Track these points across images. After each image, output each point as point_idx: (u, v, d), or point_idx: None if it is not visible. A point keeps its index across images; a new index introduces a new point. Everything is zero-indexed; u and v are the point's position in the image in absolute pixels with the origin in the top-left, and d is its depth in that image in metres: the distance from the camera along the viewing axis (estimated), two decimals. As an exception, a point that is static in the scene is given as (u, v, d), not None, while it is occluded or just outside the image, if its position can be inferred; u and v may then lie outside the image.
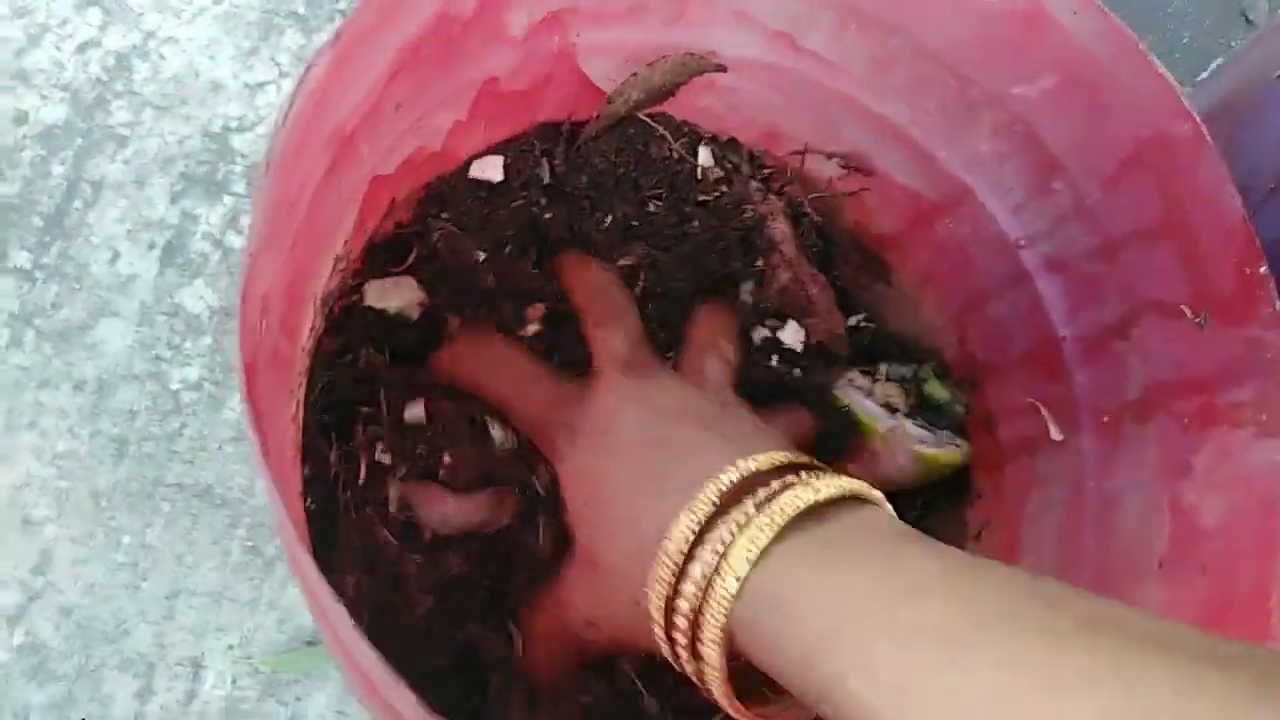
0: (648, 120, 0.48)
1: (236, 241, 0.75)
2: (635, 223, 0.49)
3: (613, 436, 0.41)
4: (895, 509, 0.48)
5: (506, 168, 0.47)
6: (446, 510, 0.43)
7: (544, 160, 0.48)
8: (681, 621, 0.34)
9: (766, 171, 0.52)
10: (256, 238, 0.28)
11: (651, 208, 0.49)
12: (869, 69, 0.46)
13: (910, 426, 0.51)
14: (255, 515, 0.71)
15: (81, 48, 0.76)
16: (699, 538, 0.34)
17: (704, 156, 0.50)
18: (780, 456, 0.36)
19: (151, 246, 0.74)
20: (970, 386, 0.52)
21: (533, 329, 0.47)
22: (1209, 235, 0.39)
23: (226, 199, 0.76)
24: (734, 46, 0.46)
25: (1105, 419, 0.44)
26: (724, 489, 0.34)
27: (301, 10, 0.80)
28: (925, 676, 0.27)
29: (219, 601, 0.70)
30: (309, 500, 0.42)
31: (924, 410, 0.52)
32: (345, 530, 0.42)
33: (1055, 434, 0.47)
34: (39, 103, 0.75)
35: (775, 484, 0.34)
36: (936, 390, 0.52)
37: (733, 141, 0.51)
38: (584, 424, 0.42)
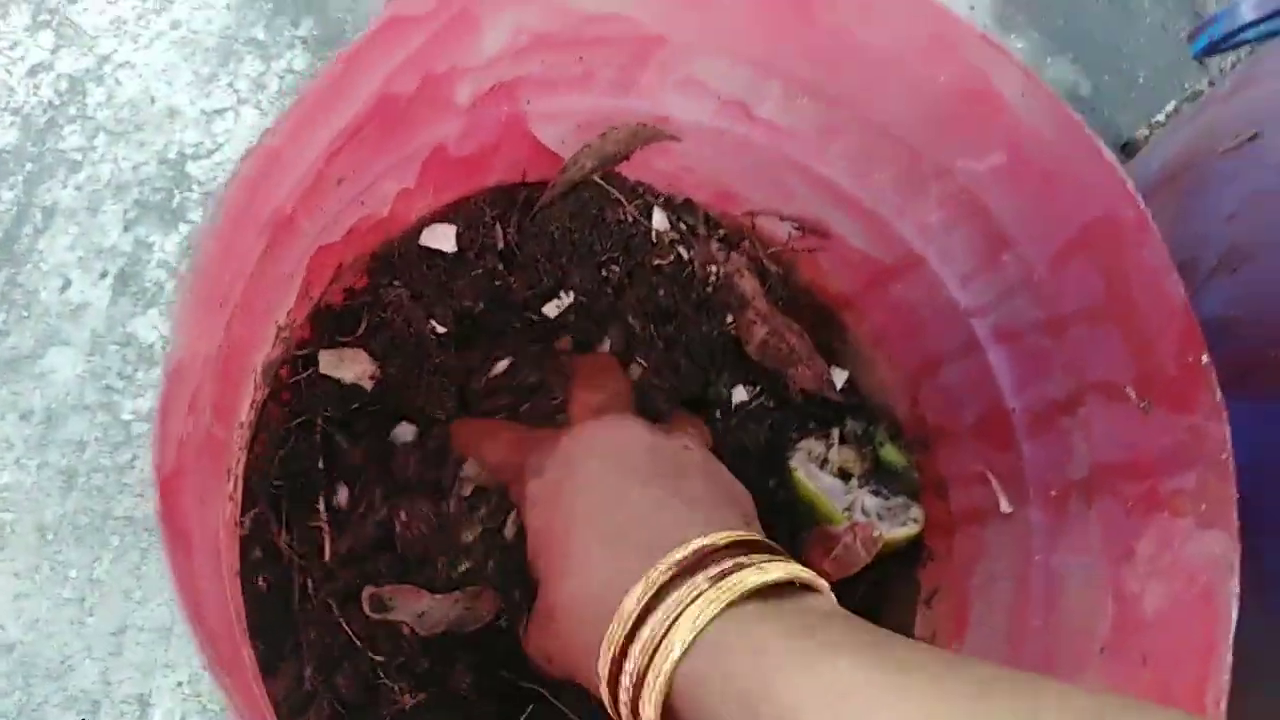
0: (602, 184, 0.47)
1: (190, 273, 0.74)
2: (610, 295, 0.49)
3: (575, 488, 0.42)
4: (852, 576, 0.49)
5: (459, 236, 0.46)
6: (421, 607, 0.42)
7: (498, 227, 0.47)
8: (626, 680, 0.36)
9: (722, 231, 0.51)
10: (183, 343, 0.28)
11: (606, 273, 0.49)
12: (820, 137, 0.45)
13: (867, 498, 0.51)
14: (206, 551, 0.70)
15: (33, 71, 0.75)
16: (651, 605, 0.36)
17: (658, 219, 0.50)
18: (736, 535, 0.38)
19: (104, 275, 0.73)
20: (923, 449, 0.52)
21: (501, 367, 0.47)
22: (1152, 320, 0.39)
23: (182, 227, 0.75)
24: (686, 112, 0.45)
25: (1053, 494, 0.44)
26: (680, 559, 0.36)
27: (261, 37, 0.79)
28: None
29: (168, 637, 0.69)
30: (260, 579, 0.41)
31: (879, 475, 0.52)
32: (301, 618, 0.41)
33: (1004, 505, 0.47)
34: (-11, 127, 0.73)
35: (728, 562, 0.36)
36: (891, 455, 0.52)
37: (688, 202, 0.51)
38: (549, 467, 0.43)
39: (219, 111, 0.77)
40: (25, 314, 0.72)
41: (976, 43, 0.38)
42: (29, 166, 0.74)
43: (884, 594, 0.51)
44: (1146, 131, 0.85)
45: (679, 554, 0.36)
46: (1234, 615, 0.36)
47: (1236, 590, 0.36)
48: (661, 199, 0.50)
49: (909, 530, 0.51)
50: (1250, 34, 0.51)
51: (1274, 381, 0.39)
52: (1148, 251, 0.38)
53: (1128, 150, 0.86)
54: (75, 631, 0.68)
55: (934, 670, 0.30)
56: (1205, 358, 0.37)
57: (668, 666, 0.34)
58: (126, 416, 0.72)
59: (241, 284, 0.33)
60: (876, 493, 0.52)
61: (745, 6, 0.40)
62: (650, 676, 0.35)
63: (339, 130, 0.35)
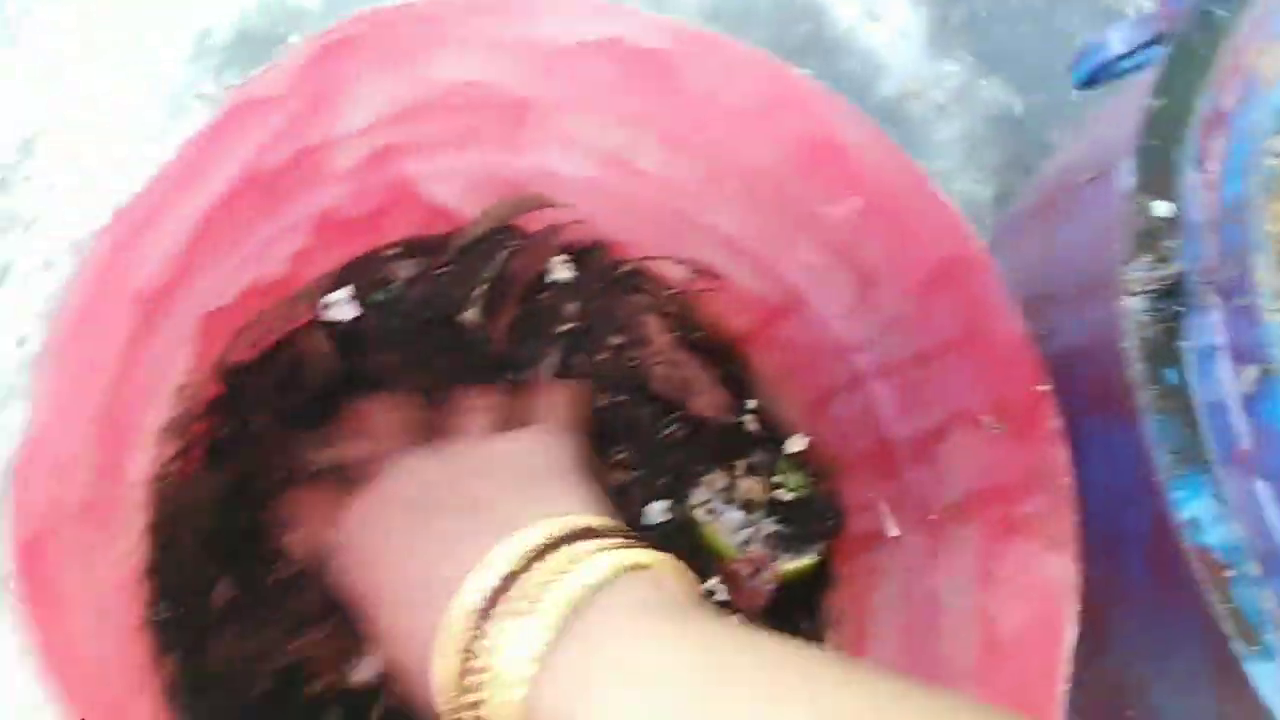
0: (501, 237, 0.50)
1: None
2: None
3: (368, 548, 0.38)
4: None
5: (358, 299, 0.49)
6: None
7: (398, 288, 0.49)
8: None
9: (619, 273, 0.54)
10: (44, 412, 0.30)
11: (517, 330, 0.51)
12: (699, 187, 0.48)
13: (769, 527, 0.53)
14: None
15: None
16: (469, 646, 0.32)
17: (561, 270, 0.52)
18: (545, 536, 0.33)
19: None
20: (824, 479, 0.54)
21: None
22: (998, 352, 0.41)
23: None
24: (570, 167, 0.47)
25: (932, 518, 0.46)
26: (471, 612, 0.32)
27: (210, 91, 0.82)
28: None
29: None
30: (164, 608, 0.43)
31: (783, 505, 0.54)
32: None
33: (891, 530, 0.48)
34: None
35: (542, 572, 0.32)
36: (795, 483, 0.54)
37: (587, 250, 0.53)
38: (342, 538, 0.40)
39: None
40: None
41: (818, 96, 0.41)
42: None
43: (793, 620, 0.53)
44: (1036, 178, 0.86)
45: (463, 607, 0.32)
46: (1072, 638, 0.37)
47: (1075, 614, 0.38)
48: (560, 246, 0.52)
49: (808, 560, 0.52)
50: (1124, 65, 0.53)
51: (1123, 405, 0.41)
52: (988, 289, 0.40)
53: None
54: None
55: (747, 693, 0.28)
56: (1043, 387, 0.39)
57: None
58: None
59: (115, 353, 0.35)
60: (780, 521, 0.53)
61: (607, 74, 0.42)
62: None
63: (209, 202, 0.37)
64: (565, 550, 0.32)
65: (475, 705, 0.31)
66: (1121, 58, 0.52)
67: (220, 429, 0.48)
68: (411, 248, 0.49)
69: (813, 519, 0.54)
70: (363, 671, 0.43)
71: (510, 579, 0.32)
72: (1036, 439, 0.40)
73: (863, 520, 0.52)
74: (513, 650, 0.30)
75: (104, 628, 0.36)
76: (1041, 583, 0.39)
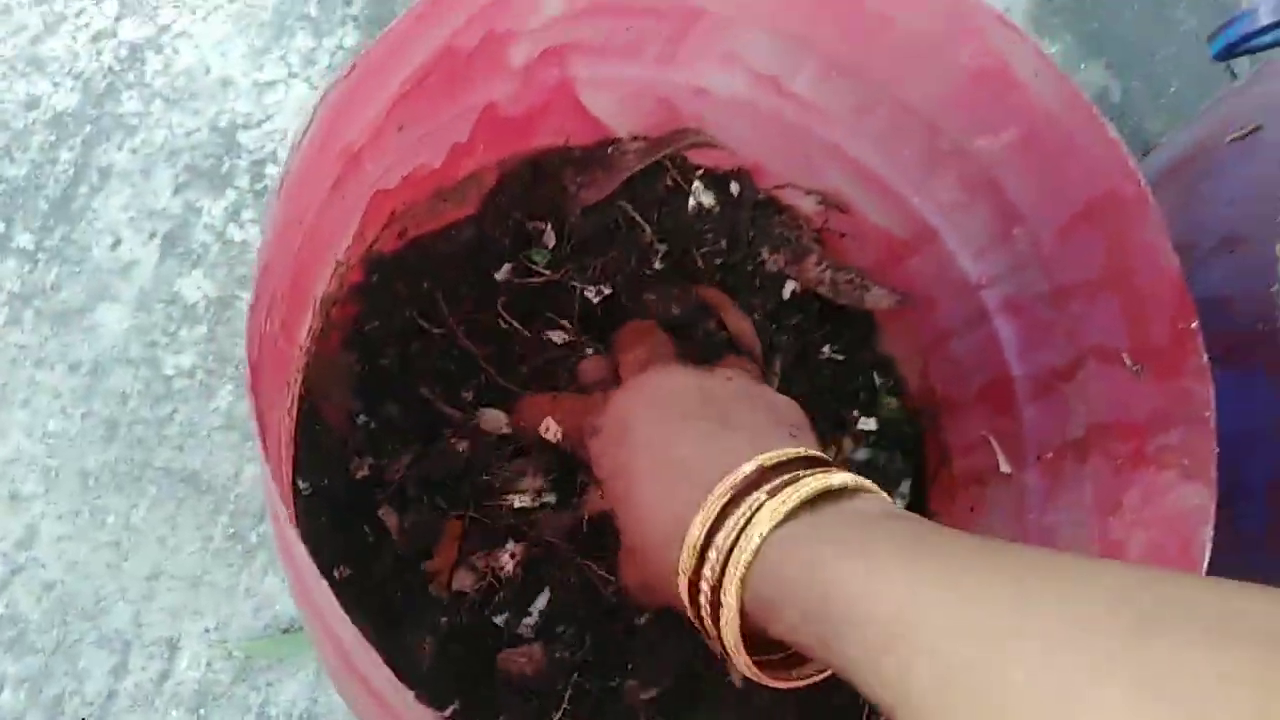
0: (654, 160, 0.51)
1: (237, 234, 0.77)
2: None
3: (631, 438, 0.45)
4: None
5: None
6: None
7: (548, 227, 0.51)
8: (703, 601, 0.39)
9: (756, 199, 0.55)
10: (268, 247, 0.31)
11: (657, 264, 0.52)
12: (849, 114, 0.49)
13: (862, 452, 0.54)
14: (239, 503, 0.73)
15: (96, 37, 0.79)
16: (714, 529, 0.38)
17: (704, 196, 0.53)
18: (786, 453, 0.40)
19: (153, 235, 0.77)
20: (929, 419, 0.55)
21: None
22: (1148, 290, 0.42)
23: (229, 193, 0.78)
24: (723, 85, 0.48)
25: (1049, 455, 0.47)
26: (734, 483, 0.39)
27: (314, 13, 0.82)
28: (966, 669, 0.28)
29: (198, 585, 0.71)
30: (303, 484, 0.45)
31: (874, 436, 0.55)
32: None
33: (1004, 467, 0.50)
34: (51, 89, 0.77)
35: (781, 478, 0.38)
36: (893, 413, 0.55)
37: (729, 175, 0.54)
38: (606, 425, 0.46)
39: (270, 84, 0.81)
40: (77, 269, 0.75)
41: (995, 25, 0.42)
42: (88, 129, 0.77)
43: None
44: (1165, 140, 0.87)
45: (733, 479, 0.39)
46: (1206, 560, 0.38)
47: (1210, 536, 0.39)
48: (701, 172, 0.53)
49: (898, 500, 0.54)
50: (1268, 38, 0.54)
51: (1258, 355, 0.42)
52: (1147, 226, 0.41)
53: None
54: (111, 574, 0.71)
55: (976, 560, 0.31)
56: (1194, 324, 0.40)
57: (735, 585, 0.36)
58: (168, 372, 0.75)
59: (314, 209, 0.36)
60: (867, 447, 0.55)
61: (786, -16, 0.43)
62: (723, 596, 0.37)
63: (405, 77, 0.38)
64: (810, 467, 0.39)
65: (713, 563, 0.38)
66: (1266, 29, 0.53)
67: (361, 319, 0.49)
68: (565, 159, 0.50)
69: (903, 457, 0.55)
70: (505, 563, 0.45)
71: (764, 473, 0.39)
72: (1179, 375, 0.41)
73: (969, 459, 0.53)
74: (757, 517, 0.37)
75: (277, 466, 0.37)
76: (1174, 510, 0.40)
